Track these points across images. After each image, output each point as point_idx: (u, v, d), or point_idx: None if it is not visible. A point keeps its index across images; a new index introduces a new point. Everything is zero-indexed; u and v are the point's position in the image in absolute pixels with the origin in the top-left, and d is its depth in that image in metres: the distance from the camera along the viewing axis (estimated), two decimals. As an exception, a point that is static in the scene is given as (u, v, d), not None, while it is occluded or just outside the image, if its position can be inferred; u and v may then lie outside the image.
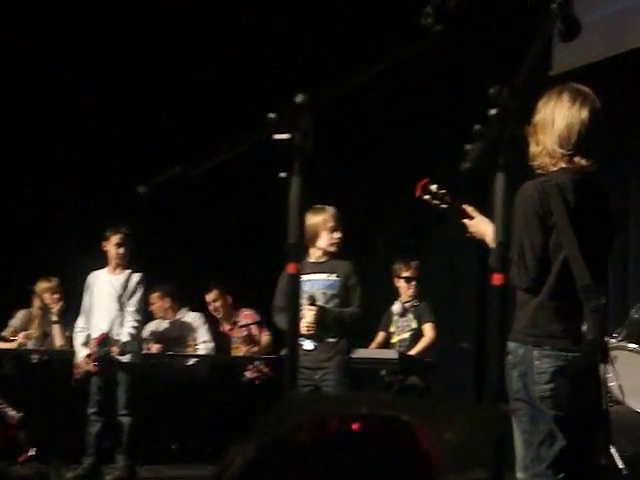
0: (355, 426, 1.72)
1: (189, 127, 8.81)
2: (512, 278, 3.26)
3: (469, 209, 3.58)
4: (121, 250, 6.86)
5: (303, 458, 1.77)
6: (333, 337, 5.25)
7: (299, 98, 2.16)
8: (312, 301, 5.19)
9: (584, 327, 3.18)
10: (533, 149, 3.40)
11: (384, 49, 2.14)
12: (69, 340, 7.72)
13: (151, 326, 8.16)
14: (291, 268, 2.20)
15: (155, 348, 8.08)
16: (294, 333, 2.27)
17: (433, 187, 3.59)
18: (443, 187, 3.59)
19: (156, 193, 2.07)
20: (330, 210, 5.34)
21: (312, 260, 5.35)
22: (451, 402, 1.61)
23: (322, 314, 5.19)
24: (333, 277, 5.30)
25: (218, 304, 8.33)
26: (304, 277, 5.22)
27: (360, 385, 6.81)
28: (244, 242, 9.02)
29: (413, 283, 7.22)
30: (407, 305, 7.26)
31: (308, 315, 5.15)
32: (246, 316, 8.26)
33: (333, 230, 5.31)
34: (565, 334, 3.26)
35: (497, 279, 2.06)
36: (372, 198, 8.68)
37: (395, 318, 7.29)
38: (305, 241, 5.26)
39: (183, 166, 2.12)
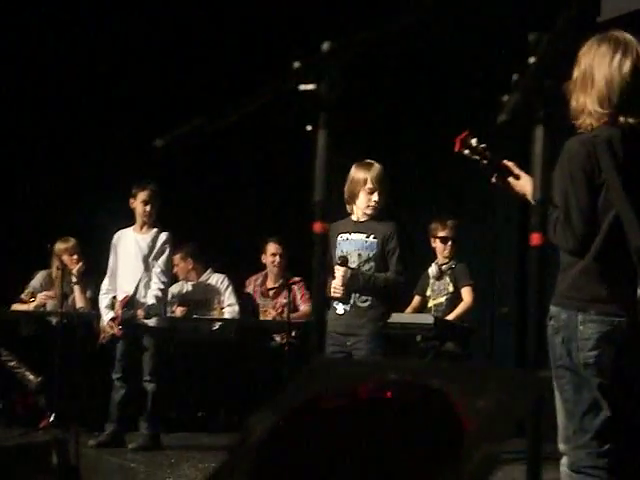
0: (388, 394, 1.73)
1: (212, 78, 8.79)
2: (557, 239, 3.23)
3: (511, 165, 3.51)
4: (148, 207, 6.89)
5: (331, 423, 1.78)
6: (365, 301, 5.23)
7: (326, 46, 2.14)
8: (343, 262, 5.17)
9: None
10: (574, 106, 3.34)
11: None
12: (90, 302, 7.80)
13: (174, 288, 8.21)
14: (317, 227, 2.19)
15: (179, 311, 8.14)
16: (321, 296, 2.27)
17: (473, 141, 3.52)
18: (483, 141, 3.54)
19: (175, 147, 2.06)
20: (375, 169, 5.28)
21: (354, 219, 5.34)
22: (484, 368, 1.60)
23: (352, 277, 5.17)
24: (371, 238, 5.27)
25: (278, 259, 8.31)
26: (343, 235, 5.27)
27: (394, 351, 6.82)
28: (272, 199, 9.03)
29: (449, 243, 7.19)
30: (444, 267, 7.23)
31: (337, 275, 5.14)
32: (294, 282, 8.21)
33: (372, 192, 5.25)
34: (612, 298, 3.22)
35: (536, 239, 2.04)
36: (406, 154, 8.63)
37: (431, 281, 7.27)
38: (348, 197, 5.30)
39: (203, 118, 2.11)
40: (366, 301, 5.22)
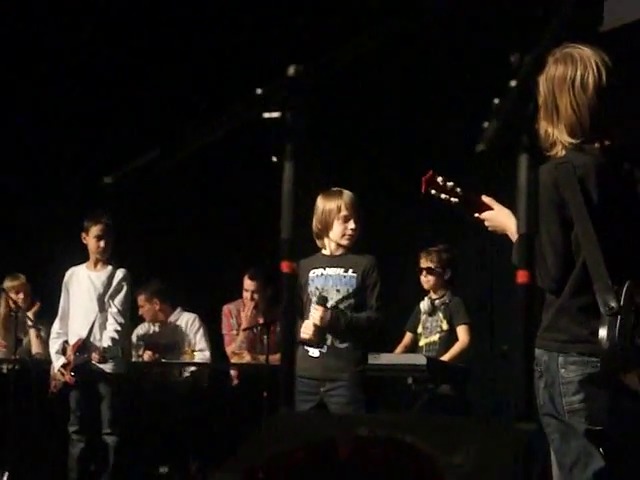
0: (364, 451, 1.76)
1: (168, 105, 8.82)
2: (536, 277, 3.24)
3: (486, 200, 3.54)
4: (102, 243, 6.91)
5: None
6: (344, 341, 5.21)
7: (291, 70, 2.17)
8: (322, 302, 5.15)
9: (601, 333, 3.14)
10: (543, 137, 3.32)
11: (388, 13, 2.16)
12: (47, 346, 7.77)
13: (140, 330, 8.20)
14: (285, 267, 2.22)
15: (147, 356, 8.11)
16: (290, 341, 2.30)
17: (439, 179, 3.58)
18: (451, 178, 3.58)
19: (125, 183, 2.09)
20: (346, 196, 5.29)
21: (326, 252, 5.34)
22: (462, 422, 1.64)
23: (332, 318, 5.14)
24: (349, 273, 5.26)
25: (250, 295, 8.21)
26: (316, 271, 5.27)
27: (383, 395, 6.82)
28: (234, 234, 9.07)
29: (433, 275, 7.18)
30: (437, 302, 7.23)
31: (315, 316, 5.12)
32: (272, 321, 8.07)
33: (347, 220, 5.26)
34: (593, 337, 3.20)
35: (522, 276, 2.08)
36: (393, 182, 8.67)
37: (423, 317, 7.27)
38: (319, 230, 5.29)
39: (157, 151, 2.14)
40: (344, 341, 5.21)
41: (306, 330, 5.11)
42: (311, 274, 5.27)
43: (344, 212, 5.25)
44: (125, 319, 6.99)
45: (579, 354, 3.23)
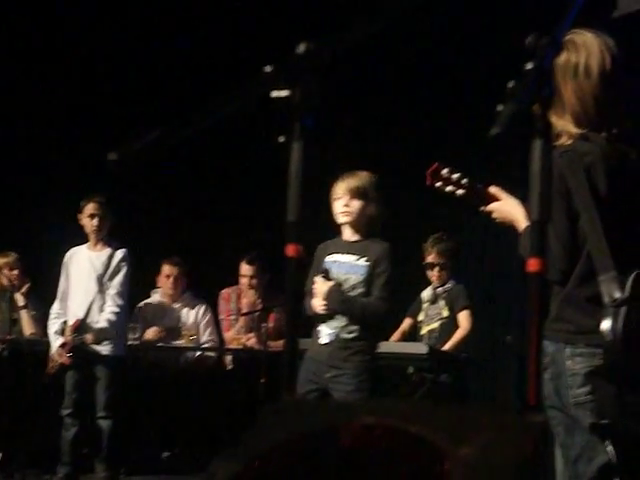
0: (370, 440, 1.75)
1: (173, 83, 8.79)
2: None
3: (493, 190, 3.53)
4: (95, 221, 6.91)
5: (307, 469, 1.80)
6: (351, 332, 5.20)
7: (302, 48, 2.15)
8: (326, 274, 5.19)
9: (603, 324, 3.12)
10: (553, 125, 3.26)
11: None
12: (40, 327, 7.75)
13: (153, 298, 8.26)
14: (290, 250, 2.20)
15: (152, 333, 8.05)
16: (293, 328, 2.27)
17: (444, 171, 3.57)
18: (456, 170, 3.56)
19: (130, 161, 2.08)
20: (343, 177, 5.32)
21: (345, 238, 5.36)
22: (471, 411, 1.62)
23: (330, 291, 5.14)
24: (362, 261, 5.25)
25: (247, 281, 8.20)
26: (333, 257, 5.30)
27: (382, 386, 6.82)
28: (241, 216, 9.05)
29: (437, 270, 7.21)
30: (439, 290, 7.25)
31: (321, 289, 5.15)
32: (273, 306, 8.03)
33: (337, 198, 5.29)
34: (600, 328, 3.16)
35: (533, 265, 2.05)
36: (398, 166, 8.66)
37: (425, 305, 7.29)
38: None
39: (163, 129, 2.12)
40: (352, 332, 5.20)
41: (318, 305, 5.15)
42: (327, 259, 5.31)
43: (337, 192, 5.30)
44: (124, 301, 7.00)
45: (586, 345, 3.21)
